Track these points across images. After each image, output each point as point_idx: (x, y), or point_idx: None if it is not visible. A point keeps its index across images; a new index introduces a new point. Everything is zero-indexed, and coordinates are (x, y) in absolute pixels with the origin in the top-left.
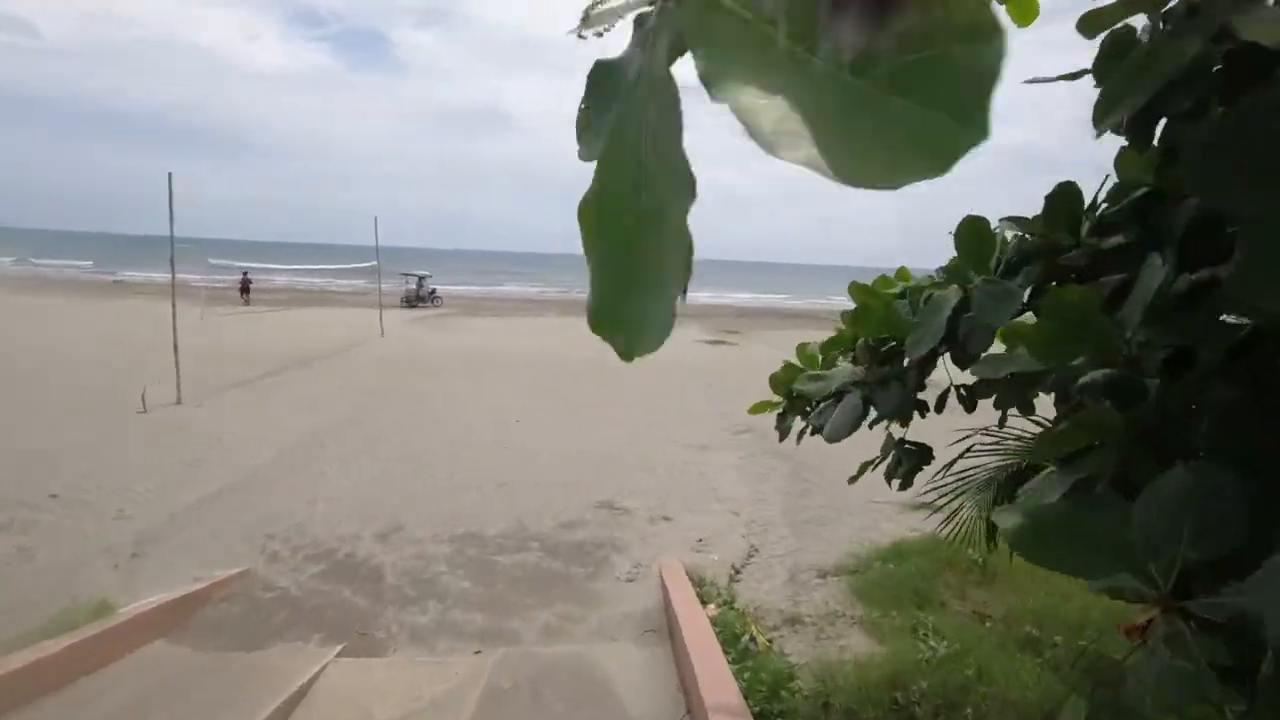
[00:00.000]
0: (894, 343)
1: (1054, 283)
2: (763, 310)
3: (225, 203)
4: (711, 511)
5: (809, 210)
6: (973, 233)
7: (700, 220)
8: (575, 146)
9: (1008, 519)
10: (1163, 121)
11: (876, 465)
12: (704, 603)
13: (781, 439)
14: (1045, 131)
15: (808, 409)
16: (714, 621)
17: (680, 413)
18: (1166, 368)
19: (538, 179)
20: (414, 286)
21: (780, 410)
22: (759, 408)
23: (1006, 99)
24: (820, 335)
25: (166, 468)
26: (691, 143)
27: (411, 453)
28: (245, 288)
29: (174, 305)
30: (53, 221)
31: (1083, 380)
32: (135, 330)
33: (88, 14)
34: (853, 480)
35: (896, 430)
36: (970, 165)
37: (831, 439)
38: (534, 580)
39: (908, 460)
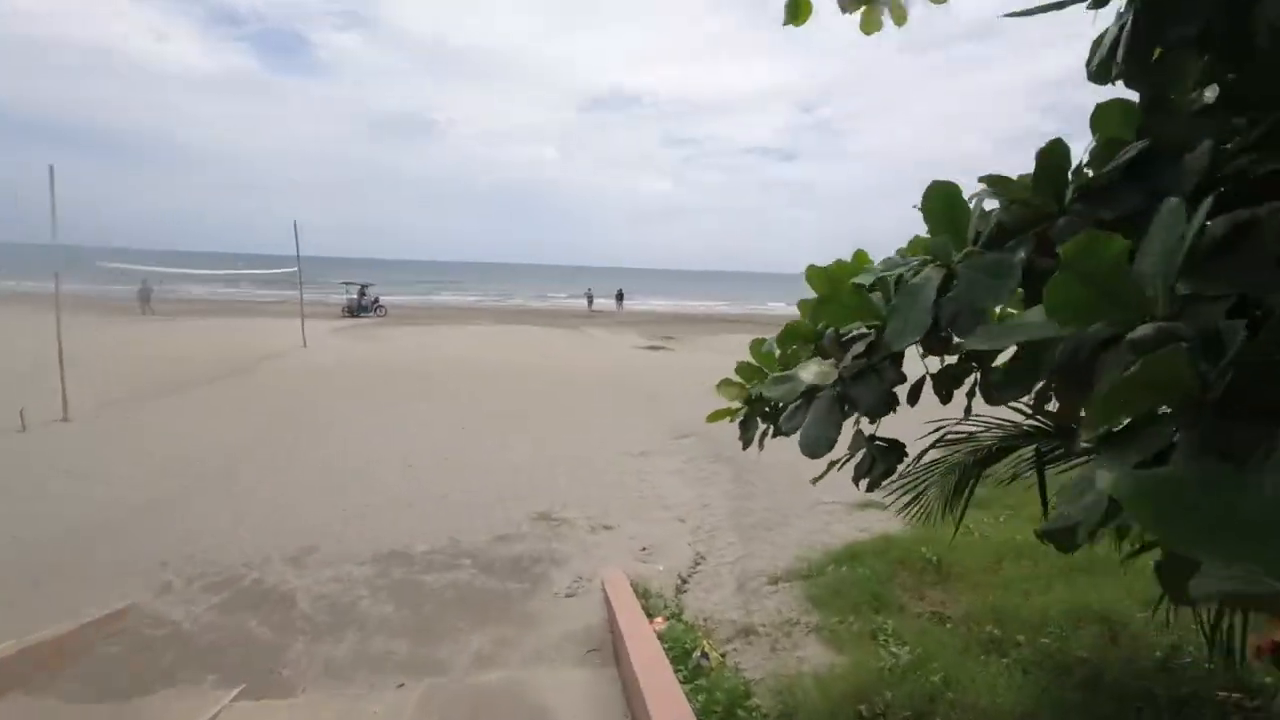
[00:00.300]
0: (865, 330)
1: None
2: (699, 316)
3: (128, 209)
4: (655, 519)
5: (738, 221)
6: (944, 200)
7: (638, 230)
8: (498, 155)
9: (1125, 483)
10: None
11: (843, 465)
12: (650, 616)
13: (746, 446)
14: (981, 142)
15: (768, 410)
16: (662, 637)
17: (620, 419)
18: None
19: (466, 188)
20: (356, 296)
21: (741, 418)
22: (717, 416)
23: (936, 109)
24: (745, 337)
25: (45, 491)
26: (636, 155)
27: (331, 469)
28: (145, 297)
29: (58, 314)
30: None
31: (1135, 335)
32: (13, 344)
33: None
34: (815, 481)
35: (865, 426)
36: (892, 178)
37: (811, 451)
38: (466, 601)
39: (882, 460)
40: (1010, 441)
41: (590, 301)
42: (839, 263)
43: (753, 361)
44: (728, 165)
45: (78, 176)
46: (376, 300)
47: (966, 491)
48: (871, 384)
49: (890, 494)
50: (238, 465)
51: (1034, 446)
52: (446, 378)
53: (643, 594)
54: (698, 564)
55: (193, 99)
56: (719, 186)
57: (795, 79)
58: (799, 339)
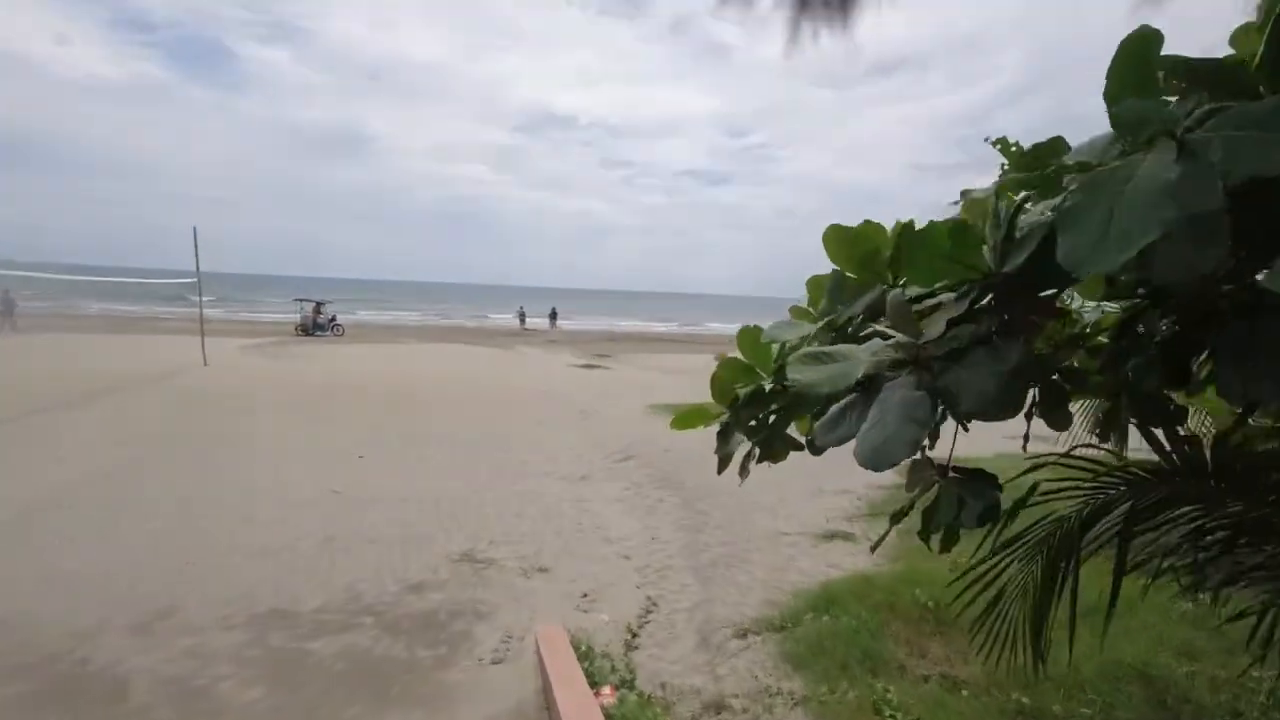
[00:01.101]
0: (962, 287)
1: None
2: (634, 335)
3: (19, 219)
4: (597, 556)
5: (673, 243)
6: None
7: (573, 251)
8: (430, 173)
9: None
10: None
11: (908, 511)
12: (596, 685)
13: (722, 469)
14: (881, 171)
15: (755, 422)
16: (610, 716)
17: (554, 442)
18: None
19: (398, 207)
20: (310, 313)
21: (722, 424)
22: (688, 419)
23: (850, 138)
24: (691, 358)
25: None
26: (570, 176)
27: (206, 509)
28: (7, 310)
29: None
30: None
31: None
32: None
33: None
34: (874, 548)
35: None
36: (814, 201)
37: (879, 460)
38: (362, 674)
39: (975, 497)
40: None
41: (522, 320)
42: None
43: (740, 358)
44: (662, 187)
45: None
46: (334, 318)
47: (1068, 577)
48: (982, 365)
49: (855, 521)
50: (85, 505)
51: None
52: (359, 398)
53: (585, 655)
54: (649, 612)
55: (97, 106)
56: (653, 208)
57: (725, 106)
58: (832, 307)
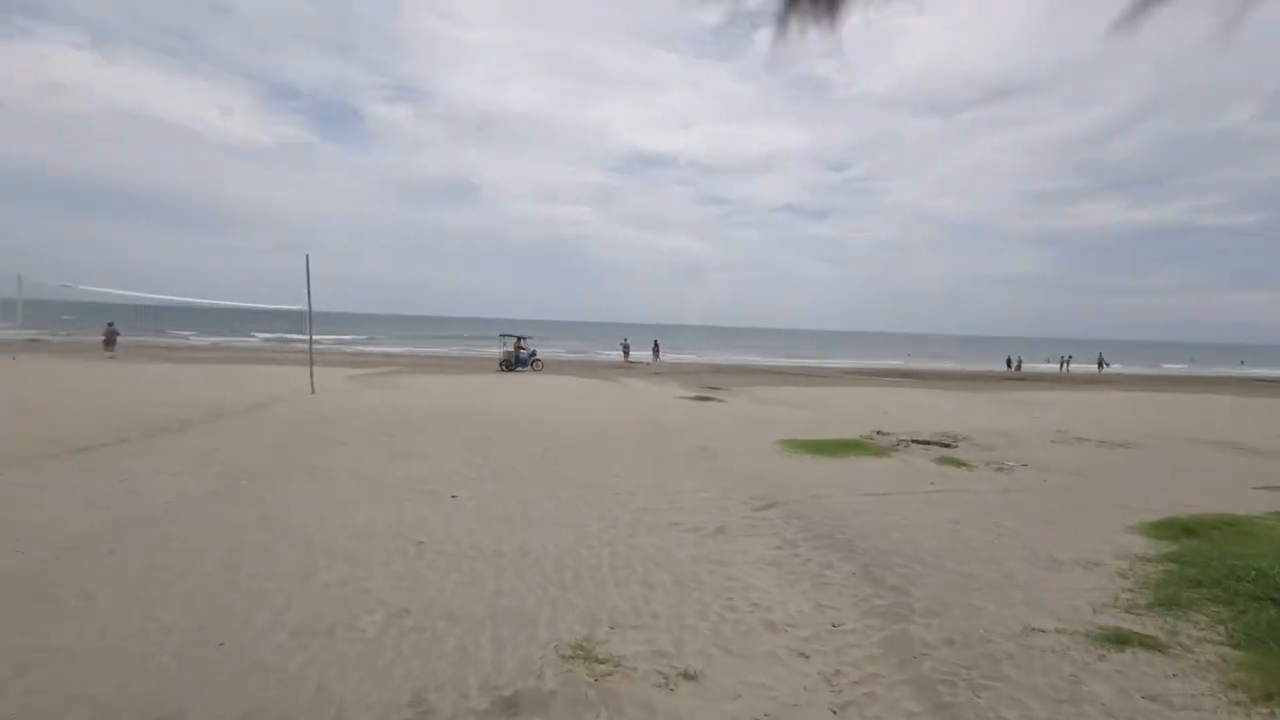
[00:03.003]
0: None
1: None
2: (738, 368)
3: (174, 269)
4: (762, 653)
5: (770, 278)
6: None
7: (671, 288)
8: (532, 214)
9: None
10: None
11: None
12: None
13: None
14: (990, 202)
15: None
16: None
17: (676, 484)
18: None
19: (503, 249)
20: (512, 349)
21: None
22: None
23: (955, 168)
24: (807, 390)
25: None
26: (668, 214)
27: (259, 563)
28: (110, 340)
29: None
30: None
31: None
32: None
33: (49, 85)
34: None
35: None
36: (918, 234)
37: None
38: None
39: None
40: None
41: (626, 353)
42: None
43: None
44: (759, 223)
45: (132, 238)
46: (534, 353)
47: None
48: None
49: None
50: (117, 551)
51: None
52: (458, 431)
53: None
54: None
55: (251, 168)
56: (750, 244)
57: (823, 140)
58: None
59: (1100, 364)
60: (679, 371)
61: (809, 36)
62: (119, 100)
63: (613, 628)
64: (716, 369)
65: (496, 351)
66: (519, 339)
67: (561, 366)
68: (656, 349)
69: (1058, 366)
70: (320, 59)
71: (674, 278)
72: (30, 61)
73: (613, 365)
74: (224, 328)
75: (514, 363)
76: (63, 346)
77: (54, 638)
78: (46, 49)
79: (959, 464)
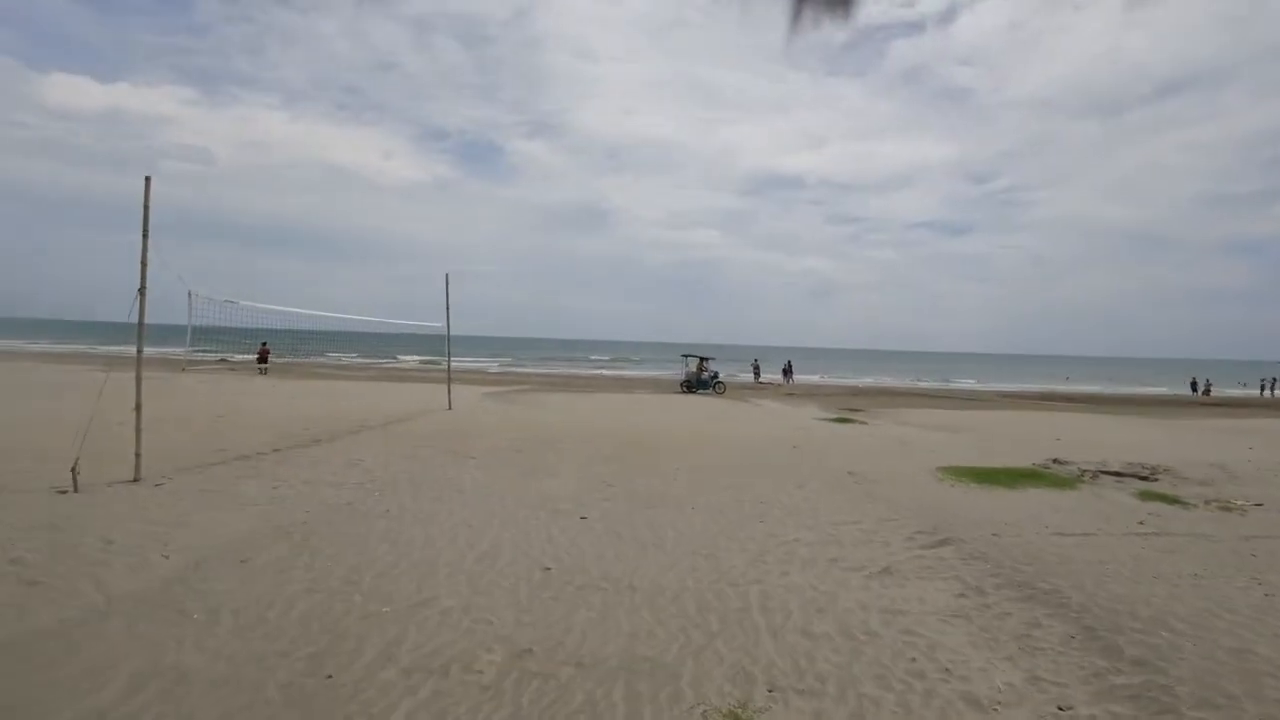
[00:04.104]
0: None
1: None
2: (876, 390)
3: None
4: None
5: (906, 299)
6: None
7: (801, 309)
8: (662, 239)
9: None
10: None
11: None
12: None
13: None
14: (1165, 209)
15: None
16: None
17: (827, 513)
18: None
19: (634, 273)
20: (694, 370)
21: None
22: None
23: (1118, 173)
24: (957, 414)
25: None
26: (798, 235)
27: (377, 583)
28: (263, 357)
29: (138, 373)
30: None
31: None
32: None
33: (250, 142)
34: None
35: None
36: (1075, 248)
37: None
38: None
39: None
40: None
41: (757, 374)
42: None
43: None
44: (894, 241)
45: (303, 272)
46: (716, 375)
47: None
48: None
49: None
50: (252, 564)
51: None
52: (592, 449)
53: None
54: None
55: (408, 205)
56: (885, 264)
57: (965, 152)
58: None
59: None
60: (813, 393)
61: (823, 25)
62: (302, 152)
63: (771, 690)
64: (854, 391)
65: (649, 373)
66: (701, 360)
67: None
68: (789, 370)
69: (1258, 391)
70: (467, 102)
71: (804, 299)
72: (237, 123)
73: (743, 386)
74: (373, 350)
75: (695, 384)
76: (220, 365)
77: (171, 656)
78: (250, 111)
79: (1170, 500)
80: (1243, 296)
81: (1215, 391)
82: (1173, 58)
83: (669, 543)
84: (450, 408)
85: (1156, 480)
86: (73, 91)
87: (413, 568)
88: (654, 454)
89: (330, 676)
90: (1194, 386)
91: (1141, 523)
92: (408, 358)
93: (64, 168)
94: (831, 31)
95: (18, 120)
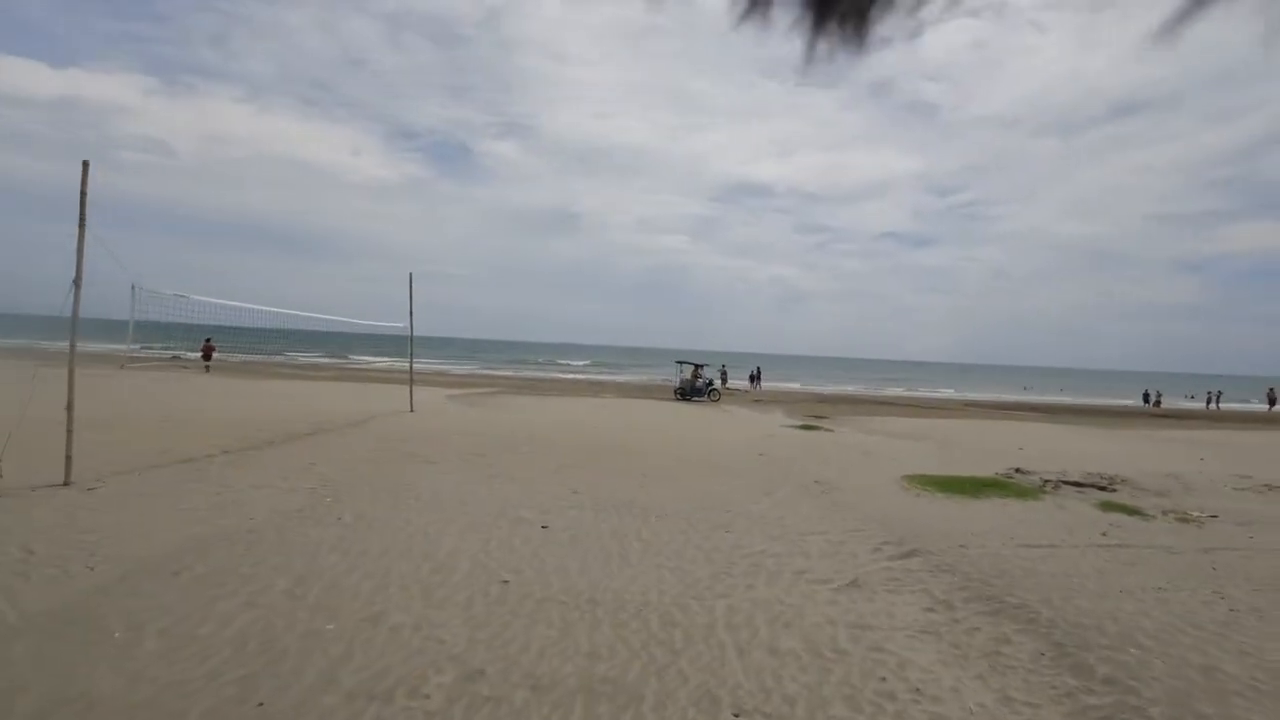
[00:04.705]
0: None
1: None
2: (842, 397)
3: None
4: None
5: (870, 308)
6: None
7: (769, 317)
8: (633, 244)
9: None
10: None
11: None
12: None
13: None
14: (1119, 226)
15: None
16: None
17: (795, 523)
18: None
19: (603, 277)
20: (689, 377)
21: None
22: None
23: (1076, 191)
24: (919, 422)
25: None
26: (766, 243)
27: (323, 597)
28: (207, 354)
29: (70, 368)
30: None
31: None
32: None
33: (213, 135)
34: None
35: None
36: (1035, 262)
37: None
38: None
39: None
40: None
41: (724, 379)
42: None
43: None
44: (861, 251)
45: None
46: (710, 383)
47: None
48: None
49: None
50: (186, 573)
51: None
52: (555, 453)
53: None
54: None
55: (374, 204)
56: (851, 273)
57: (930, 165)
58: None
59: (1272, 400)
60: (780, 400)
61: (837, 57)
62: (268, 147)
63: (738, 715)
64: (820, 398)
65: (598, 377)
66: (696, 367)
67: (659, 391)
68: (756, 377)
69: (1204, 404)
70: (438, 101)
71: (772, 306)
72: (197, 115)
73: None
74: (336, 349)
75: (689, 392)
76: (165, 363)
77: (81, 681)
78: (212, 104)
79: (1130, 511)
80: (1192, 312)
81: (1165, 403)
82: (1128, 81)
83: (633, 554)
84: (412, 410)
85: (1115, 490)
86: (23, 76)
87: (364, 579)
88: (620, 459)
89: (262, 704)
90: (1146, 398)
91: (1104, 534)
92: (373, 359)
93: (11, 154)
94: (846, 64)
95: None
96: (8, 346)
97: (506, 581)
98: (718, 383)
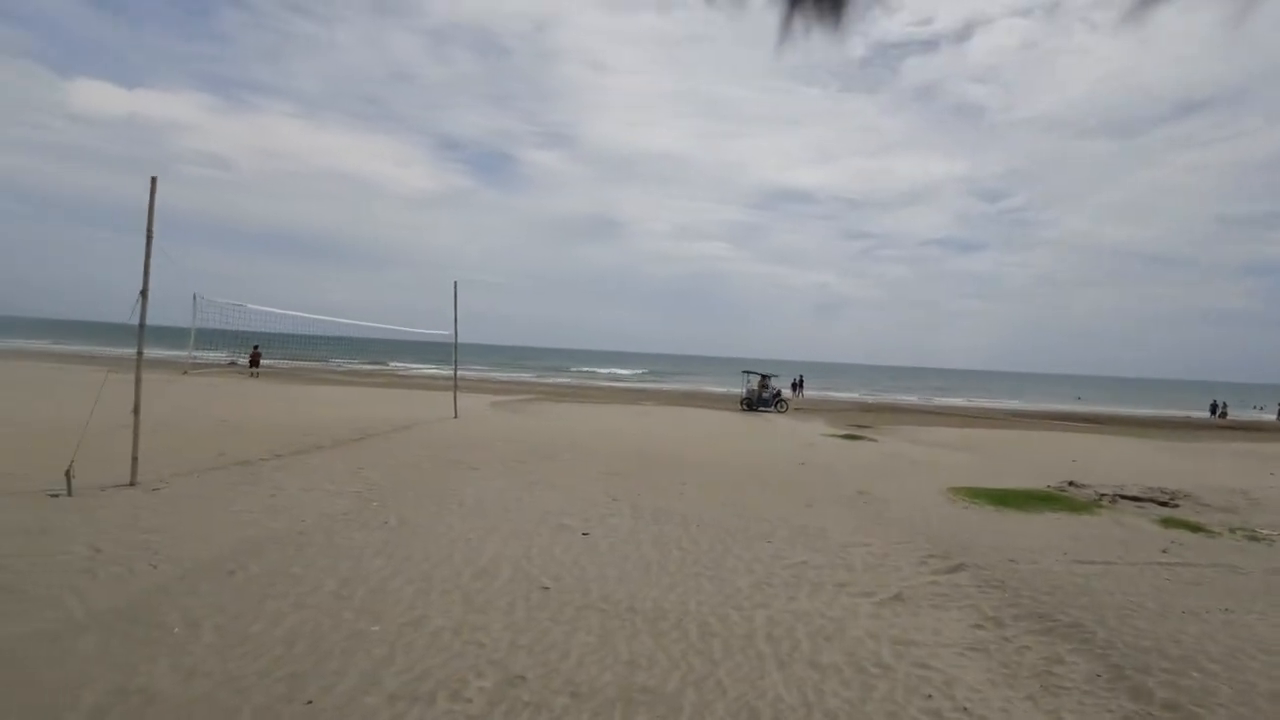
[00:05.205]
0: None
1: None
2: (887, 406)
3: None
4: None
5: (916, 316)
6: None
7: (811, 324)
8: (670, 251)
9: None
10: None
11: None
12: None
13: None
14: (1177, 230)
15: None
16: None
17: (836, 534)
18: None
19: (642, 284)
20: (755, 387)
21: None
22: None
23: (1130, 193)
24: (967, 432)
25: None
26: (808, 249)
27: (369, 599)
28: (254, 360)
29: (137, 375)
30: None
31: None
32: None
33: (268, 149)
34: None
35: None
36: (1086, 267)
37: None
38: None
39: None
40: None
41: (764, 388)
42: None
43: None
44: (904, 258)
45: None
46: (778, 394)
47: None
48: None
49: None
50: (241, 572)
51: None
52: (596, 461)
53: None
54: None
55: (419, 214)
56: (895, 280)
57: (977, 170)
58: None
59: None
60: (822, 408)
61: (813, 36)
62: (319, 160)
63: None
64: (863, 406)
65: (640, 385)
66: (763, 378)
67: (698, 399)
68: (798, 385)
69: (1275, 415)
70: (481, 112)
71: (814, 314)
72: (253, 130)
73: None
74: (378, 355)
75: (756, 403)
76: (223, 368)
77: (142, 676)
78: (267, 119)
79: (1193, 528)
80: (1257, 318)
81: (1231, 414)
82: (1189, 78)
83: (673, 562)
84: (456, 416)
85: (1177, 506)
86: (95, 96)
87: (407, 583)
88: (660, 468)
89: (310, 702)
90: (1214, 409)
91: (1164, 551)
92: (415, 365)
93: (84, 170)
94: (823, 42)
95: (42, 124)
96: (79, 353)
97: (547, 588)
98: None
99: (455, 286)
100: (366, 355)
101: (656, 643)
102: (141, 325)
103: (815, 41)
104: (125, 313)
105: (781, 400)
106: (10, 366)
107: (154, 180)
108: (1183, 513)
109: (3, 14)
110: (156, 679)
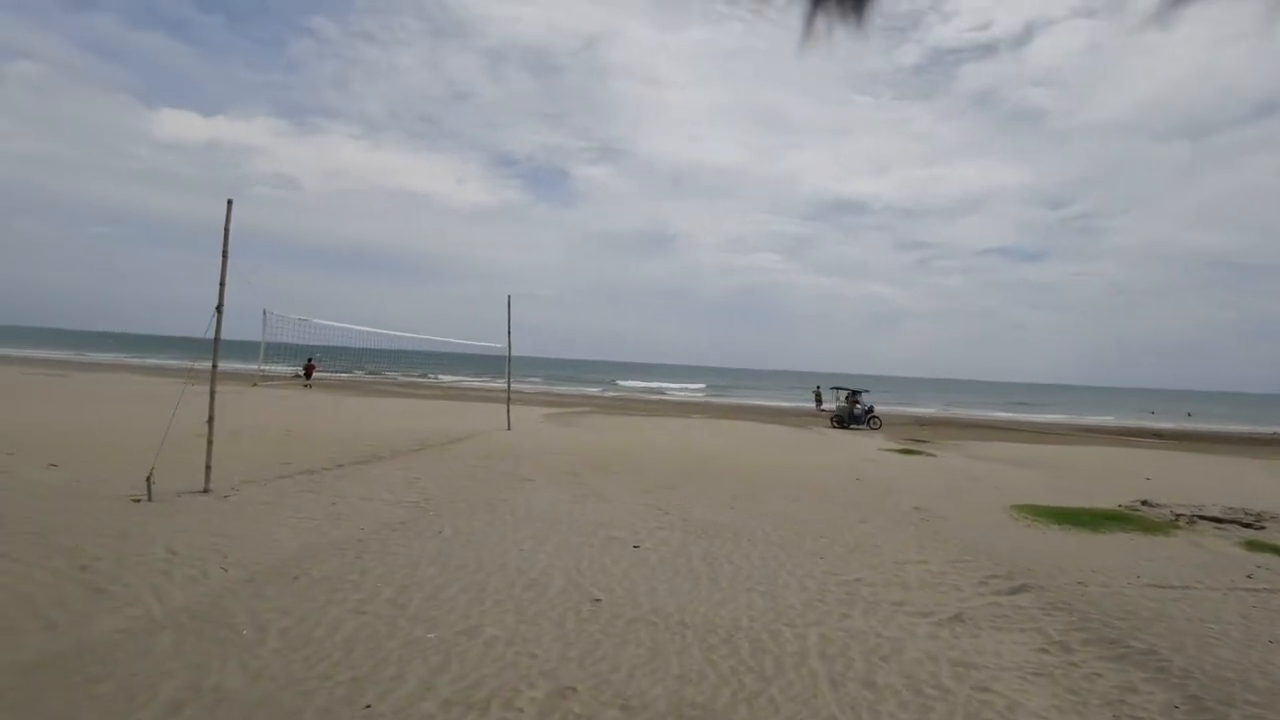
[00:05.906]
0: None
1: None
2: (944, 420)
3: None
4: None
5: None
6: None
7: (865, 337)
8: (723, 264)
9: None
10: None
11: None
12: None
13: None
14: (1258, 235)
15: None
16: None
17: (891, 551)
18: None
19: (696, 297)
20: (845, 403)
21: None
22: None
23: (1206, 198)
24: (1030, 448)
25: None
26: (862, 260)
27: (424, 607)
28: (308, 372)
29: (211, 387)
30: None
31: None
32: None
33: (333, 169)
34: None
35: None
36: (1158, 276)
37: None
38: None
39: None
40: None
41: (819, 401)
42: None
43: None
44: (962, 268)
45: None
46: (870, 409)
47: None
48: None
49: None
50: (304, 576)
51: None
52: (645, 474)
53: None
54: None
55: (475, 229)
56: (954, 290)
57: (1038, 177)
58: None
59: None
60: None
61: (836, 34)
62: (379, 179)
63: None
64: (920, 420)
65: (689, 397)
66: (853, 394)
67: (747, 412)
68: (853, 397)
69: None
70: (535, 129)
71: (869, 326)
72: (319, 152)
73: (804, 413)
74: (433, 368)
75: (847, 420)
76: (289, 380)
77: (214, 675)
78: (332, 141)
79: None
80: None
81: None
82: (1271, 76)
83: (724, 577)
84: (509, 428)
85: (1264, 529)
86: (178, 125)
87: (461, 592)
88: (712, 481)
89: (369, 706)
90: None
91: (1250, 576)
92: (469, 378)
93: (167, 195)
94: (846, 40)
95: (131, 153)
96: (162, 366)
97: (598, 600)
98: (829, 405)
99: (509, 301)
100: (422, 368)
101: (707, 658)
102: (216, 340)
103: (838, 41)
104: (202, 328)
105: (875, 416)
106: (101, 379)
107: (230, 203)
108: (1270, 536)
109: (106, 53)
110: (227, 678)
